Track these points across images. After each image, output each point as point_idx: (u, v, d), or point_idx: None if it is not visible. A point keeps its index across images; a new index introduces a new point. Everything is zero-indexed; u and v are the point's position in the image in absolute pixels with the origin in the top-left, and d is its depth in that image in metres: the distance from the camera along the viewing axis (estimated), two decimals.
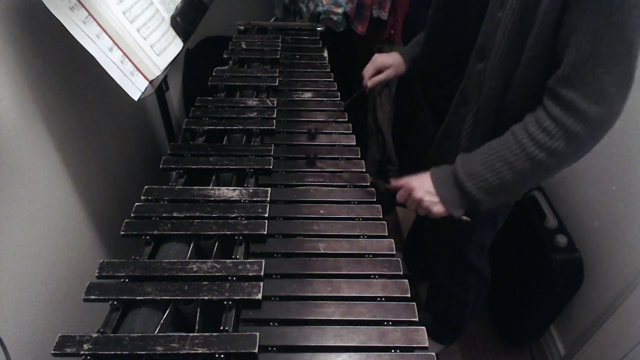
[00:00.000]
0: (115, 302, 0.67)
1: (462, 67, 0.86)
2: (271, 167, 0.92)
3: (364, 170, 0.94)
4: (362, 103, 1.70)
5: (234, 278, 0.70)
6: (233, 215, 0.81)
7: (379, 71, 1.16)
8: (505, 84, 0.81)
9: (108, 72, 0.84)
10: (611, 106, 0.69)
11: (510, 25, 0.75)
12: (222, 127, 1.01)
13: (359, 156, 0.98)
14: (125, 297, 0.67)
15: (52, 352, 0.61)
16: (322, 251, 0.78)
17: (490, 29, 0.78)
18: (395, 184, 0.89)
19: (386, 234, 0.81)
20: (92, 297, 0.67)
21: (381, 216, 0.84)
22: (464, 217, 0.85)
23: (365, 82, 1.15)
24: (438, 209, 0.84)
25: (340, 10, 1.45)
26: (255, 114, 1.06)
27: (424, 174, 0.87)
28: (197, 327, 0.66)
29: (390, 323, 0.68)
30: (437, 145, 0.98)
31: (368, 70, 1.16)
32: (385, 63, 1.15)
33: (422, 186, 0.85)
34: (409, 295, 0.71)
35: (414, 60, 1.13)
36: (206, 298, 0.67)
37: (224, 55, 1.27)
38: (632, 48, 0.67)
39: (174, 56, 1.01)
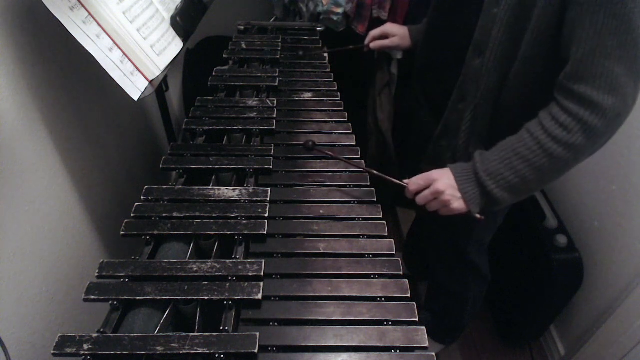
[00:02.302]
0: (115, 302, 0.67)
1: (461, 63, 0.86)
2: (271, 167, 0.92)
3: (364, 170, 0.94)
4: (360, 98, 1.69)
5: (234, 278, 0.70)
6: (233, 215, 0.80)
7: (385, 37, 1.20)
8: (502, 79, 0.81)
9: (108, 72, 0.84)
10: (625, 96, 0.69)
11: (506, 21, 0.75)
12: (222, 127, 1.01)
13: (359, 156, 0.98)
14: (125, 297, 0.67)
15: (52, 352, 0.61)
16: (322, 251, 0.77)
17: (487, 24, 0.79)
18: (411, 179, 0.88)
19: (386, 234, 0.81)
20: (92, 297, 0.67)
21: (381, 216, 0.84)
22: (479, 215, 0.84)
23: (368, 41, 1.22)
24: (459, 205, 0.83)
25: (340, 10, 1.45)
26: (255, 114, 1.05)
27: (444, 170, 0.85)
28: (197, 327, 0.66)
29: (390, 323, 0.68)
30: (436, 142, 0.98)
31: (375, 32, 1.21)
32: (393, 31, 1.19)
33: (445, 180, 0.84)
34: (409, 295, 0.71)
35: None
36: (206, 298, 0.67)
37: (224, 55, 1.27)
38: (638, 37, 0.66)
39: (174, 56, 1.01)
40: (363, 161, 0.96)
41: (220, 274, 0.70)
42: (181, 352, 0.61)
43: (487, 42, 0.79)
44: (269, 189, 0.86)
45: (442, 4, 0.94)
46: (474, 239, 1.17)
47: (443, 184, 0.83)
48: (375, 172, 0.90)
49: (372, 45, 1.22)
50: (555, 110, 0.74)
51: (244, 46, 1.32)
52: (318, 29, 1.47)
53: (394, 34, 1.19)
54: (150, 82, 0.93)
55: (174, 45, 1.02)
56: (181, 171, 0.91)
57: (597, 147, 0.75)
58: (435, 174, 0.85)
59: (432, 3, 0.98)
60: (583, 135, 0.72)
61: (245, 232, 0.78)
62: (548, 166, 0.76)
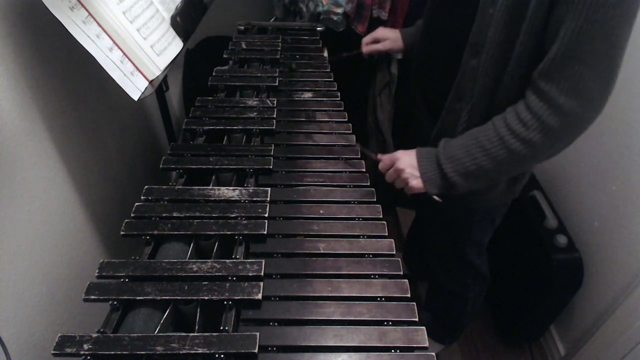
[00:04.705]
0: (115, 302, 0.67)
1: (458, 63, 0.87)
2: (271, 167, 0.92)
3: (364, 170, 0.94)
4: (360, 98, 1.70)
5: (234, 278, 0.70)
6: (233, 215, 0.81)
7: (377, 41, 1.23)
8: (497, 79, 0.82)
9: (108, 72, 0.84)
10: (589, 102, 0.70)
11: (502, 21, 0.76)
12: (222, 127, 1.01)
13: (359, 156, 0.98)
14: (125, 297, 0.67)
15: (52, 352, 0.61)
16: (322, 251, 0.78)
17: (483, 25, 0.79)
18: (382, 156, 0.94)
19: (386, 234, 0.81)
20: (92, 297, 0.67)
21: (381, 216, 0.84)
22: (436, 197, 0.88)
23: (363, 47, 1.25)
24: (416, 183, 0.88)
25: (340, 10, 1.45)
26: (255, 114, 1.06)
27: (410, 150, 0.91)
28: (197, 327, 0.66)
29: (390, 323, 0.68)
30: (433, 142, 0.98)
31: (367, 38, 1.24)
32: (385, 35, 1.22)
33: (407, 159, 0.89)
34: (409, 295, 0.71)
35: (413, 43, 1.16)
36: (206, 298, 0.67)
37: (224, 55, 1.27)
38: (614, 46, 0.67)
39: (174, 56, 1.01)
40: (363, 161, 0.97)
41: (220, 274, 0.70)
42: (181, 352, 0.61)
43: (483, 43, 0.79)
44: (269, 189, 0.86)
45: (439, 4, 0.94)
46: (471, 240, 1.17)
47: (403, 163, 0.89)
48: (359, 145, 0.99)
49: (364, 49, 1.24)
50: (520, 106, 0.77)
51: (244, 46, 1.32)
52: (318, 29, 1.47)
53: (386, 37, 1.21)
54: (150, 82, 0.93)
55: (174, 45, 1.02)
56: (181, 171, 0.91)
57: (555, 148, 0.77)
58: (399, 153, 0.91)
59: (428, 3, 0.98)
60: (540, 133, 0.74)
61: (245, 232, 0.78)
62: (505, 159, 0.79)
